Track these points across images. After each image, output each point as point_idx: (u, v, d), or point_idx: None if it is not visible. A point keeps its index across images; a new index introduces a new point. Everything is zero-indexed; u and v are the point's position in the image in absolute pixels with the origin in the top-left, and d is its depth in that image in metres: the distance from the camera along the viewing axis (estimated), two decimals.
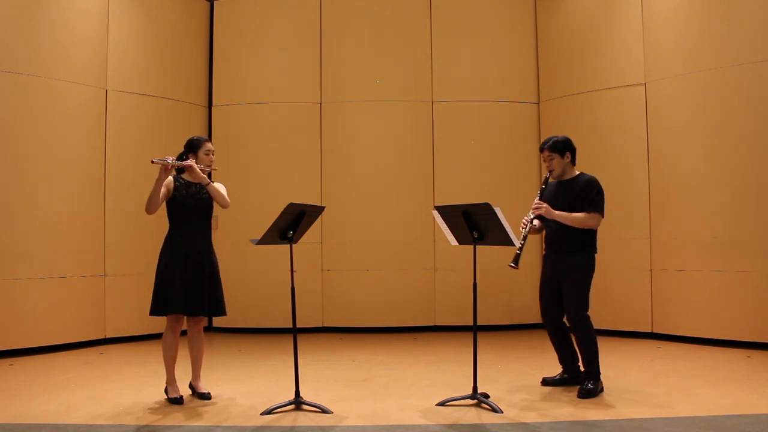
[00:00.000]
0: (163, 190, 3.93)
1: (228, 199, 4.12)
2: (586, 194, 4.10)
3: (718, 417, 3.46)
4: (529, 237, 4.17)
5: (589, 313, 4.08)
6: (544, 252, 4.42)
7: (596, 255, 4.18)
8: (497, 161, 7.16)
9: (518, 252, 4.03)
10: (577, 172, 4.26)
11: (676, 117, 6.07)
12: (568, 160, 4.22)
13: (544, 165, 4.33)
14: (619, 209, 6.11)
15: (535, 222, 4.35)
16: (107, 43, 6.32)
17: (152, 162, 3.79)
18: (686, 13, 6.00)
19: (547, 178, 4.26)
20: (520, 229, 4.14)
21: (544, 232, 4.40)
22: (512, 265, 4.07)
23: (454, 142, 7.16)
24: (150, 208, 3.90)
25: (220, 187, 4.14)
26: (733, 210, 5.69)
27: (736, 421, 3.37)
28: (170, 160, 3.86)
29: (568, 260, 4.13)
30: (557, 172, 4.24)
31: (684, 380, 4.42)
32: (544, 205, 4.12)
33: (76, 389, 4.32)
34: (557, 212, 4.12)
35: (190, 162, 3.98)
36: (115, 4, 6.38)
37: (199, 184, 4.04)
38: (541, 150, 4.28)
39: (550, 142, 4.24)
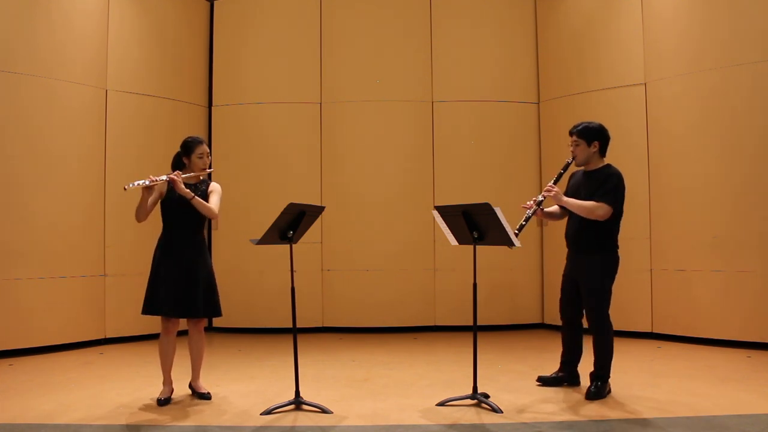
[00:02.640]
0: (155, 194, 3.93)
1: (214, 210, 3.96)
2: (602, 185, 3.95)
3: (718, 417, 3.46)
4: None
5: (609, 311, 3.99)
6: (567, 251, 4.27)
7: (618, 251, 4.00)
8: (497, 161, 7.16)
9: (516, 231, 3.88)
10: (604, 164, 4.09)
11: (676, 117, 6.07)
12: (596, 149, 4.04)
13: (569, 149, 4.12)
14: None
15: (555, 208, 4.24)
16: (107, 43, 6.32)
17: (125, 189, 3.76)
18: (686, 12, 6.00)
19: (568, 164, 4.09)
20: (525, 207, 4.04)
21: (565, 225, 4.24)
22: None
23: (454, 142, 7.15)
24: (139, 217, 3.92)
25: (215, 188, 4.08)
26: (733, 210, 5.69)
27: (736, 421, 3.37)
28: (146, 182, 3.79)
29: (586, 262, 4.02)
30: (580, 159, 4.07)
31: (684, 380, 4.42)
32: (555, 188, 4.01)
33: (75, 389, 4.32)
34: (567, 198, 4.01)
35: (173, 176, 3.84)
36: (115, 4, 6.38)
37: (195, 185, 4.01)
38: (570, 134, 4.09)
39: (581, 126, 4.06)
